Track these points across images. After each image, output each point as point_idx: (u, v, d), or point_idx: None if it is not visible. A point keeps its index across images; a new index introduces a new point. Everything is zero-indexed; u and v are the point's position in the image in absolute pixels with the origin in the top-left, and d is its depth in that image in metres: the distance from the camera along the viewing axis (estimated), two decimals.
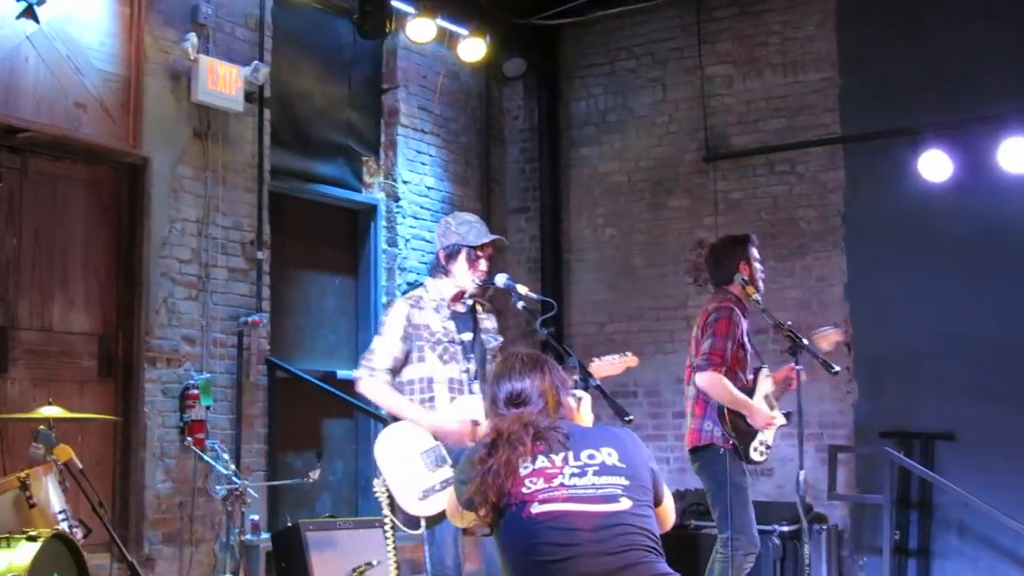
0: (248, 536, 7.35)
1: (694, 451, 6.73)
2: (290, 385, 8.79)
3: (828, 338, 6.97)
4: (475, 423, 5.52)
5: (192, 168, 8.15)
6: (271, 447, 8.53)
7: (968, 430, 9.08)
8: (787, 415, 6.80)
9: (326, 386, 8.86)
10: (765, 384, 6.75)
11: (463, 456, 3.97)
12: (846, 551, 9.35)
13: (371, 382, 5.74)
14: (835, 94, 9.94)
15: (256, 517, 7.70)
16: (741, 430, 6.58)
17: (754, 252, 6.88)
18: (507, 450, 3.67)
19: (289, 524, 7.70)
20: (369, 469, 9.43)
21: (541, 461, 3.67)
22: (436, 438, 5.64)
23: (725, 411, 6.53)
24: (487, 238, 5.82)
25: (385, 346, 5.76)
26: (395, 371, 5.76)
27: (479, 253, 5.80)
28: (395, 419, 5.87)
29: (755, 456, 6.65)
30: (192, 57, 8.04)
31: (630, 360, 6.14)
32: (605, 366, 6.01)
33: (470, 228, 5.85)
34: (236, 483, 7.04)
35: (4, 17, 7.03)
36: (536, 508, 3.58)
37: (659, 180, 10.76)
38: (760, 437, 6.65)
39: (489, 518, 3.68)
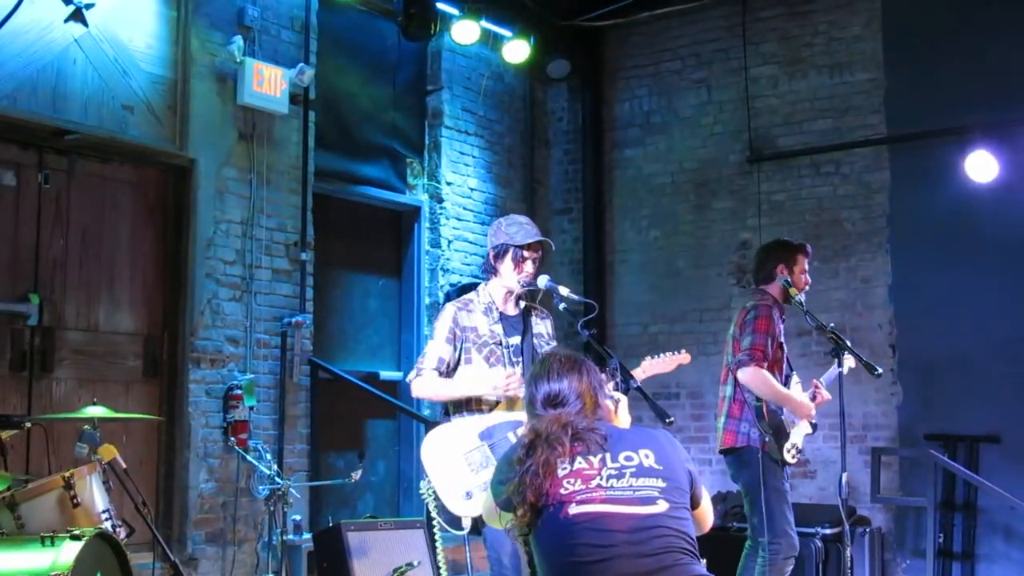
0: (290, 536, 7.39)
1: (729, 452, 6.73)
2: (333, 386, 8.83)
3: None
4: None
5: (237, 170, 8.21)
6: (313, 447, 8.58)
7: (1014, 433, 9.00)
8: (813, 425, 6.82)
9: (368, 387, 8.90)
10: (796, 390, 6.76)
11: (501, 457, 3.98)
12: (889, 554, 9.29)
13: (419, 381, 5.79)
14: (881, 95, 9.87)
15: (298, 517, 7.75)
16: (777, 429, 6.60)
17: (802, 261, 6.87)
18: (546, 450, 3.68)
19: (331, 524, 7.73)
20: (411, 470, 9.48)
21: (579, 462, 3.68)
22: (481, 437, 5.66)
23: (764, 410, 6.52)
24: (533, 238, 5.84)
25: (433, 348, 5.80)
26: (446, 374, 5.78)
27: (525, 254, 5.81)
28: (438, 422, 5.90)
29: (787, 457, 6.68)
30: (238, 59, 8.10)
31: (683, 357, 6.16)
32: (658, 363, 6.02)
33: (519, 229, 5.86)
34: (279, 483, 7.08)
35: (53, 20, 7.11)
36: (574, 509, 3.60)
37: (703, 181, 10.73)
38: (792, 439, 6.66)
39: (527, 518, 3.68)
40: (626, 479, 3.65)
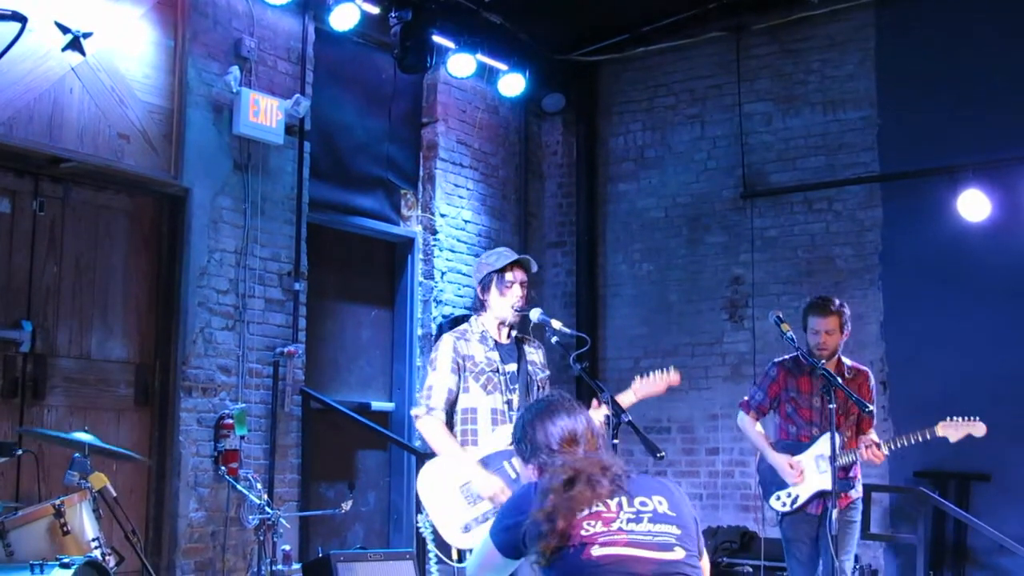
0: (279, 566, 7.36)
1: None
2: (324, 416, 8.83)
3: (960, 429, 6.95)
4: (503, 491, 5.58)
5: (232, 199, 8.23)
6: (304, 477, 8.56)
7: (1004, 471, 9.00)
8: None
9: (360, 417, 8.90)
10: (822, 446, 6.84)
11: (505, 505, 3.88)
12: None
13: (429, 421, 5.80)
14: (874, 132, 9.92)
15: (288, 547, 7.72)
16: (764, 476, 6.99)
17: (811, 321, 6.99)
18: (586, 489, 3.64)
19: (320, 555, 7.72)
20: (401, 501, 9.46)
21: (597, 505, 3.64)
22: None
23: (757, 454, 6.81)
24: (509, 259, 5.88)
25: (440, 381, 5.81)
26: (452, 404, 5.80)
27: (508, 277, 5.85)
28: (430, 454, 5.92)
29: (775, 504, 6.94)
30: (234, 90, 8.14)
31: (672, 377, 6.16)
32: (648, 384, 6.04)
33: (497, 257, 5.94)
34: (269, 513, 7.06)
35: (50, 49, 7.13)
36: (597, 551, 3.55)
37: (696, 216, 10.76)
38: (788, 489, 6.88)
39: (543, 561, 3.59)
40: (644, 524, 3.63)
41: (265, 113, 8.29)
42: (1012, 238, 9.09)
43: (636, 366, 10.82)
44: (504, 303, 5.86)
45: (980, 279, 9.19)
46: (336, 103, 9.46)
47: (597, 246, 11.25)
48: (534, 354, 6.05)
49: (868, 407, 6.37)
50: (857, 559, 9.02)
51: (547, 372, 6.09)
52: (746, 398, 7.20)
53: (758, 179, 10.45)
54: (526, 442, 3.92)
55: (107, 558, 5.66)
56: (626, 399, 5.88)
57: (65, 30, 7.11)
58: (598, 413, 5.76)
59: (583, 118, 11.36)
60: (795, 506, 6.86)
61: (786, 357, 7.13)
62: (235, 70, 8.15)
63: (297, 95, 8.57)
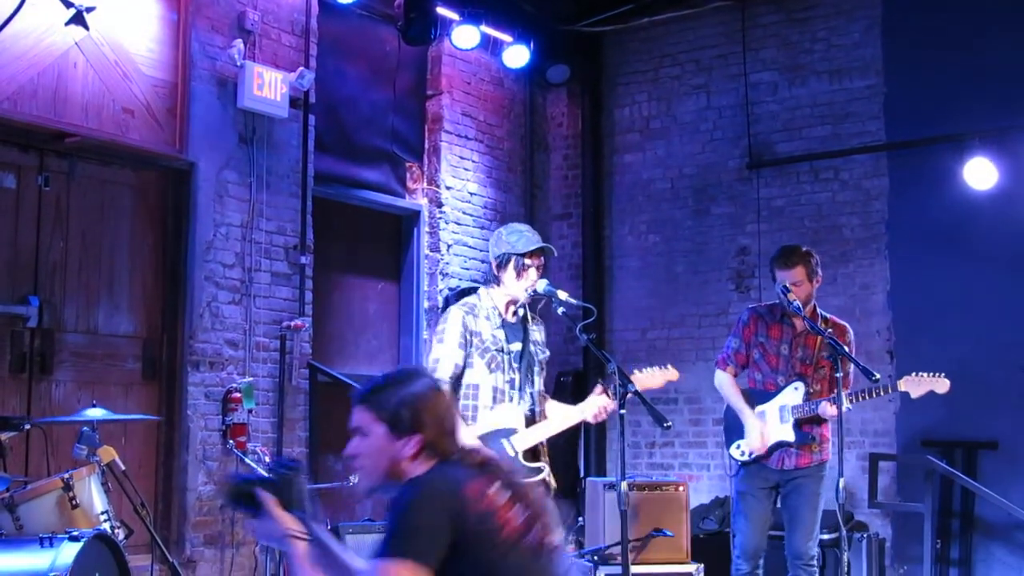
0: None
1: None
2: (331, 389, 8.83)
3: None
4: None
5: (237, 173, 8.22)
6: (312, 450, 8.58)
7: (1012, 439, 9.01)
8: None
9: None
10: (787, 397, 6.84)
11: (406, 502, 3.27)
12: (887, 560, 9.29)
13: None
14: (880, 101, 9.88)
15: None
16: (727, 423, 7.07)
17: (777, 274, 6.88)
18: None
19: (329, 527, 7.74)
20: None
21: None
22: None
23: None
24: (535, 245, 5.86)
25: (447, 355, 5.78)
26: (458, 378, 5.80)
27: (527, 261, 5.82)
28: None
29: (734, 452, 6.91)
30: (238, 63, 8.11)
31: (670, 373, 6.14)
32: (645, 378, 6.02)
33: (519, 237, 5.88)
34: None
35: (53, 24, 7.11)
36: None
37: (702, 187, 10.74)
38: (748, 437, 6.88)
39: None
40: None
41: (269, 86, 8.27)
42: (1019, 206, 9.06)
43: (643, 337, 10.85)
44: (519, 285, 5.85)
45: (987, 247, 9.15)
46: (340, 76, 9.44)
47: (603, 218, 11.23)
48: (537, 332, 6.05)
49: (874, 375, 6.32)
50: (866, 527, 9.07)
51: (547, 353, 6.09)
52: (721, 355, 7.09)
53: (764, 149, 10.43)
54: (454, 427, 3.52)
55: (116, 531, 5.69)
56: None
57: (68, 4, 7.07)
58: (599, 399, 5.77)
59: (588, 89, 11.33)
60: (753, 456, 6.82)
61: (761, 304, 7.16)
62: (239, 43, 8.13)
63: (301, 68, 8.55)
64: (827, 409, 6.64)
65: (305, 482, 3.44)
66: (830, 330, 6.75)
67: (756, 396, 6.91)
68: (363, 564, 3.44)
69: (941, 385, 6.65)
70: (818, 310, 6.95)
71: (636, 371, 6.05)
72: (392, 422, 3.38)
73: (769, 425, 6.79)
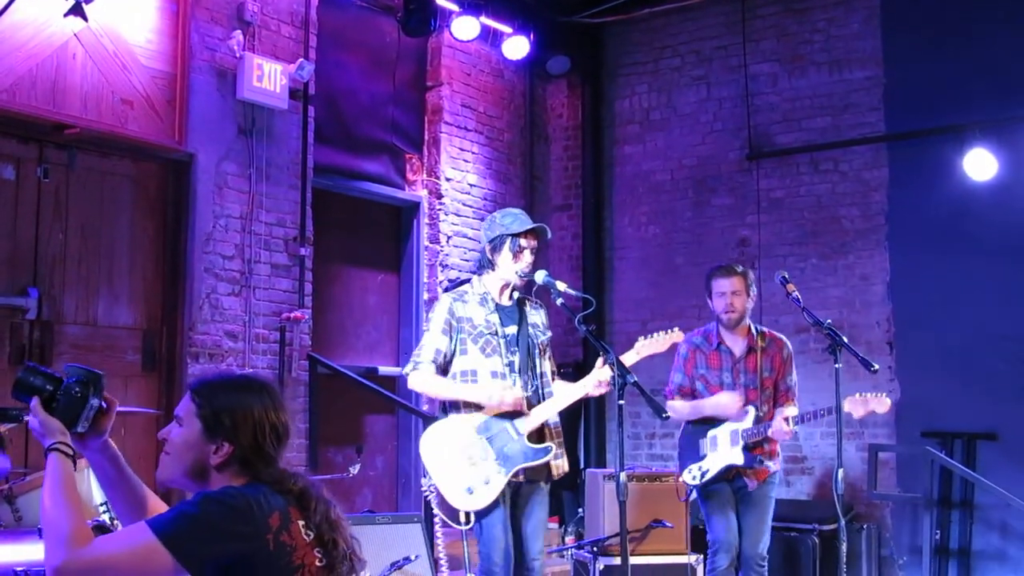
0: None
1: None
2: (331, 381, 8.84)
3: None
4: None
5: (237, 164, 8.22)
6: (312, 442, 8.57)
7: (1011, 430, 9.00)
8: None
9: (367, 382, 8.91)
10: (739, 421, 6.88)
11: (205, 496, 3.12)
12: (886, 550, 9.30)
13: (415, 374, 5.82)
14: (880, 92, 9.87)
15: None
16: (680, 449, 7.14)
17: (715, 284, 6.96)
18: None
19: None
20: (409, 465, 9.50)
21: None
22: (478, 431, 5.70)
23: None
24: (529, 226, 5.87)
25: (429, 340, 5.84)
26: (442, 365, 5.81)
27: (522, 243, 5.84)
28: (436, 418, 5.94)
29: (686, 477, 6.96)
30: (237, 54, 8.11)
31: (675, 335, 6.20)
32: (651, 343, 6.06)
33: (514, 219, 5.90)
34: None
35: (52, 15, 7.11)
36: None
37: (702, 178, 10.74)
38: (700, 463, 6.92)
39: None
40: None
41: (269, 78, 8.26)
42: (1019, 197, 9.05)
43: (643, 328, 10.77)
44: (513, 267, 5.86)
45: (987, 239, 9.15)
46: (340, 67, 9.44)
47: (603, 209, 11.24)
48: (535, 315, 6.04)
49: (873, 366, 6.30)
50: (865, 518, 9.08)
51: (549, 333, 6.09)
52: (667, 388, 7.11)
53: (764, 140, 10.42)
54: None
55: (115, 522, 5.69)
56: (629, 358, 5.87)
57: None
58: (601, 372, 5.77)
59: (588, 80, 11.33)
60: (705, 480, 6.85)
61: (696, 332, 7.09)
62: (238, 34, 8.12)
63: (301, 59, 8.54)
64: (780, 429, 6.68)
65: (94, 402, 3.26)
66: (763, 344, 6.93)
67: (707, 424, 6.94)
68: (159, 503, 3.44)
69: (882, 405, 6.63)
70: (751, 325, 7.00)
71: (641, 338, 6.08)
72: (209, 423, 3.26)
73: (720, 448, 6.83)
